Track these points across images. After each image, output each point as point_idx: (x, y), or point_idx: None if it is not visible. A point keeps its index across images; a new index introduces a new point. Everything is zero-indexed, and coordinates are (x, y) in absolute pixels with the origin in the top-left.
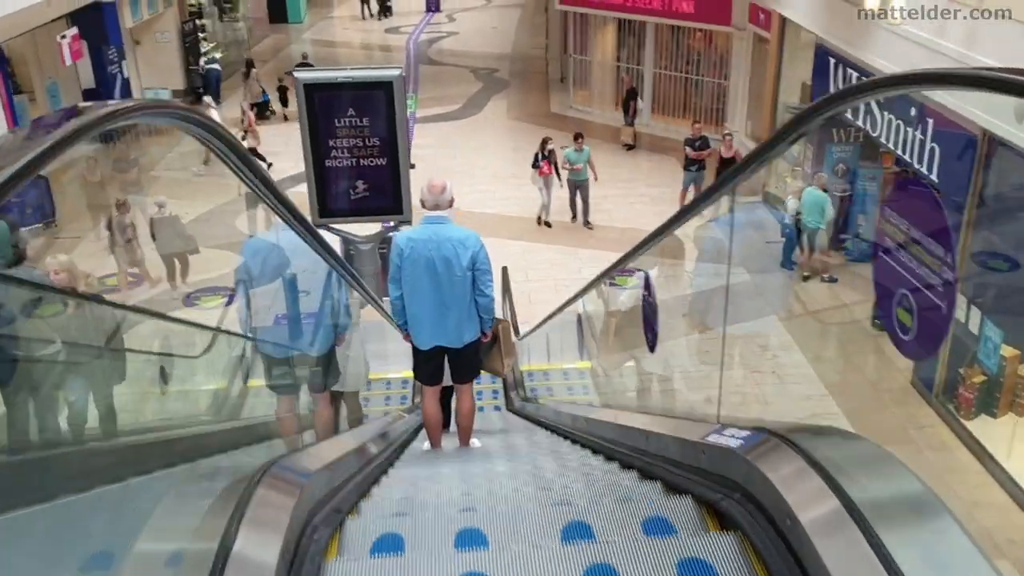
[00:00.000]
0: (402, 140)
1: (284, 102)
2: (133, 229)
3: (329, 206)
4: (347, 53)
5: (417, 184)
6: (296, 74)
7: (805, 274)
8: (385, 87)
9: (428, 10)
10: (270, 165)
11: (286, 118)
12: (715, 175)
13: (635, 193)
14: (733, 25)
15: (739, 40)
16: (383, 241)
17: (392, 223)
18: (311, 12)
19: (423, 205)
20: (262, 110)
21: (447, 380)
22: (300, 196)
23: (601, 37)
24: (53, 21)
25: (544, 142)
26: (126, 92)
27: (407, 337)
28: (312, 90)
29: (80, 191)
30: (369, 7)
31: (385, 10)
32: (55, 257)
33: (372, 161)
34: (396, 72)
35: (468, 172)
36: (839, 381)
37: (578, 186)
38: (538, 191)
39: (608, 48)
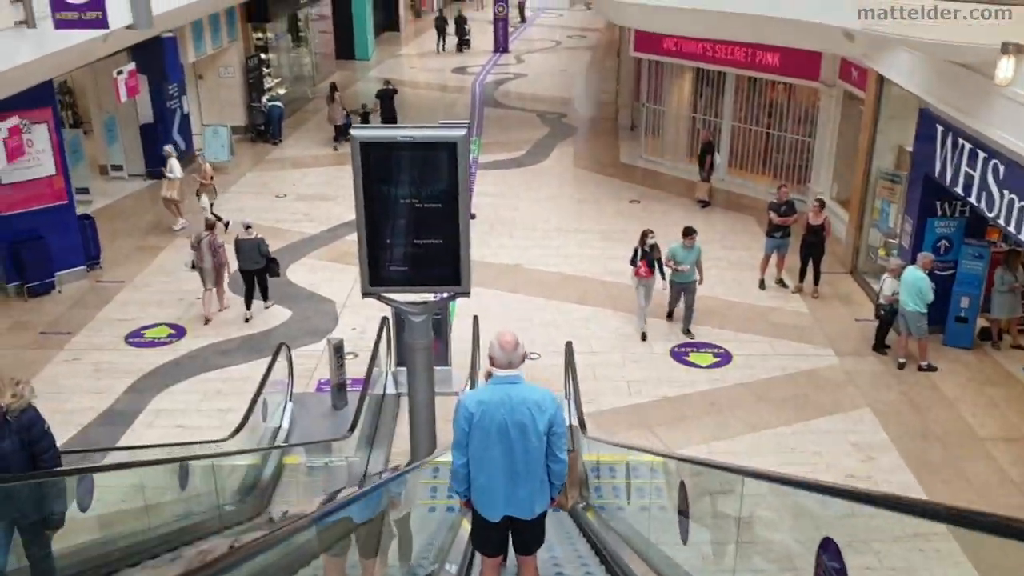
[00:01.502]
0: (463, 206)
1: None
2: (222, 248)
3: (381, 273)
4: (412, 93)
5: (477, 237)
6: (353, 132)
7: (901, 360)
8: (448, 148)
9: (496, 51)
10: (227, 224)
11: None
12: (801, 243)
13: (711, 256)
14: (821, 81)
15: (827, 96)
16: (438, 311)
17: (447, 293)
18: (379, 49)
19: (492, 363)
20: (343, 133)
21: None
22: (353, 246)
23: (677, 86)
24: (114, 55)
25: (644, 236)
26: (185, 127)
27: (467, 504)
28: (369, 148)
29: (129, 232)
30: (445, 41)
31: (464, 43)
32: None
33: (430, 227)
34: (460, 133)
35: (530, 224)
36: (948, 496)
37: (683, 289)
38: (635, 291)
39: (684, 98)
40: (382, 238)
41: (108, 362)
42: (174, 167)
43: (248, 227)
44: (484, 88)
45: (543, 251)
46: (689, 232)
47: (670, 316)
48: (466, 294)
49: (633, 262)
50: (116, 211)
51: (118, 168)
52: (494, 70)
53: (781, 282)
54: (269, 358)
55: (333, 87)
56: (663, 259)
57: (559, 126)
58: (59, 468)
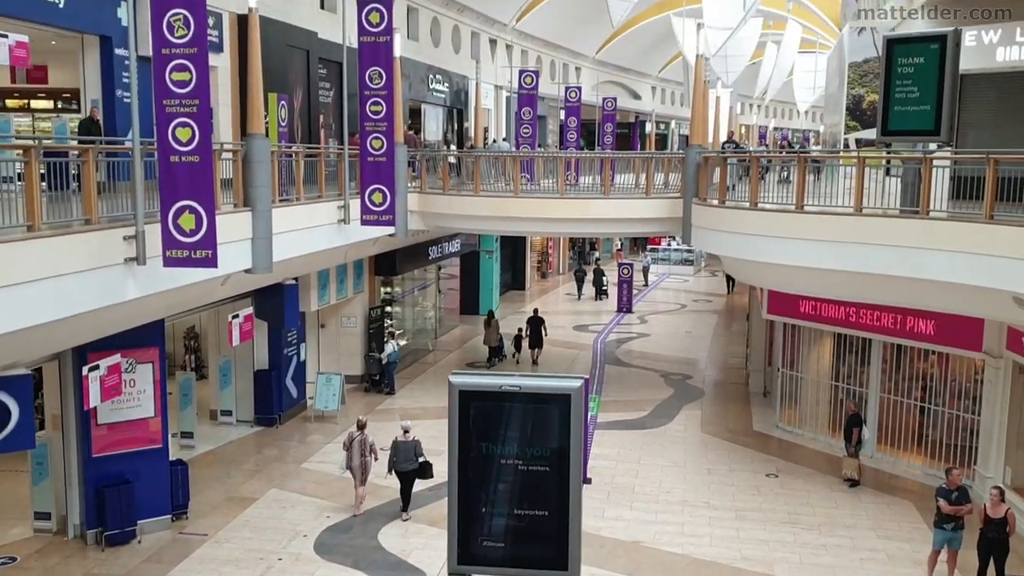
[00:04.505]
0: (575, 472)
1: (518, 348)
2: (373, 447)
3: (472, 549)
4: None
5: (591, 505)
6: (451, 378)
7: None
8: (560, 402)
9: (619, 310)
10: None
11: (517, 362)
12: (979, 538)
13: (864, 547)
14: (985, 351)
15: (993, 369)
16: None
17: None
18: (503, 306)
19: None
20: (496, 354)
21: None
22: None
23: (815, 352)
24: (236, 299)
25: None
26: (299, 375)
27: None
28: (469, 398)
29: (223, 480)
30: (582, 290)
31: (603, 293)
32: None
33: (534, 495)
34: (575, 384)
35: (651, 495)
36: None
37: None
38: None
39: (823, 364)
40: (476, 506)
41: None
42: None
43: (406, 431)
44: (606, 346)
45: (666, 527)
46: None
47: None
48: None
49: None
50: (216, 457)
51: (227, 413)
52: (616, 329)
53: None
54: None
55: (491, 314)
56: None
57: (684, 388)
58: None
